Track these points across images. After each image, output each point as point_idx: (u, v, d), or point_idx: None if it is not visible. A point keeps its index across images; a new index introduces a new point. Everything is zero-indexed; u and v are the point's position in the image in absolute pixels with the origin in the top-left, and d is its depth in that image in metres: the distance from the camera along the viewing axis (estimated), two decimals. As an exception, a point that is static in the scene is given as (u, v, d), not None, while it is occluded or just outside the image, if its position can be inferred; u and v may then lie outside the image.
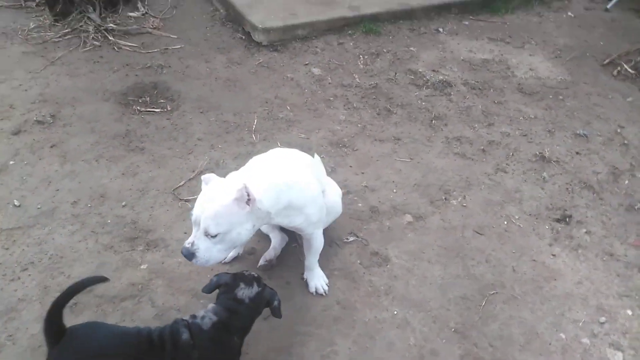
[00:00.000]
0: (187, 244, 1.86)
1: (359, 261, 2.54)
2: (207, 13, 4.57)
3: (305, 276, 2.37)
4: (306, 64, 4.02)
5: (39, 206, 2.64)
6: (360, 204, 2.87)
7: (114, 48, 3.99)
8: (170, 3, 4.61)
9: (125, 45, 4.02)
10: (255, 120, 3.40)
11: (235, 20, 4.39)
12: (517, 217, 2.89)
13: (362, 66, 4.09)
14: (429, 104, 3.74)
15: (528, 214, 2.91)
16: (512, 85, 4.04)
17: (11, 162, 2.88)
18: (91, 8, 4.21)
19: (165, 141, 3.16)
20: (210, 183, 1.92)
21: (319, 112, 3.57)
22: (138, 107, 3.41)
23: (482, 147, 3.37)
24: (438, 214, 2.85)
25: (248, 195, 1.83)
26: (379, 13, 4.60)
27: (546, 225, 2.85)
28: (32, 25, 4.10)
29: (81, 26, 4.12)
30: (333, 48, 4.26)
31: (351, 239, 2.65)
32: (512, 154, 3.34)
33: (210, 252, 1.87)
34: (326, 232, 2.61)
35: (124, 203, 2.71)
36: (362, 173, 3.09)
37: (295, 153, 2.28)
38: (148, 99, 3.51)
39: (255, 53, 4.09)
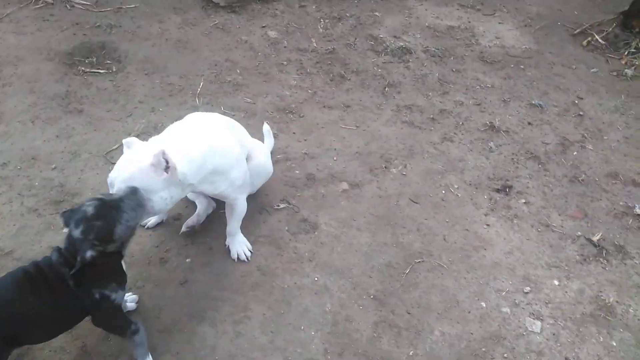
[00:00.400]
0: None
1: (286, 228, 2.51)
2: (167, -28, 4.42)
3: (227, 243, 2.35)
4: (263, 27, 3.92)
5: (-34, 166, 2.61)
6: (297, 171, 2.82)
7: (65, 6, 3.88)
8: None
9: (77, 3, 3.90)
10: (201, 84, 3.33)
11: (194, -20, 4.25)
12: (456, 186, 2.85)
13: (321, 30, 3.98)
14: (384, 71, 3.66)
15: (468, 183, 2.87)
16: (474, 54, 3.94)
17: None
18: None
19: (105, 103, 3.10)
20: (132, 147, 1.86)
21: (269, 76, 3.49)
22: (82, 68, 3.33)
23: (432, 116, 3.31)
24: (375, 182, 2.82)
25: (167, 162, 1.77)
26: (345, -25, 4.45)
27: (485, 195, 2.81)
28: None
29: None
30: (294, 11, 4.14)
31: (282, 205, 2.61)
32: (462, 123, 3.28)
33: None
34: (257, 198, 2.60)
35: (54, 166, 2.67)
36: (305, 140, 3.04)
37: (214, 117, 2.23)
38: (94, 59, 3.43)
39: (212, 14, 3.98)
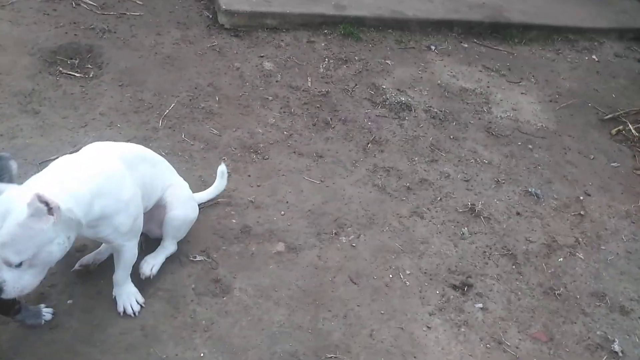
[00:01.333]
0: None
1: (193, 286, 2.23)
2: (185, -15, 4.33)
3: (114, 293, 2.08)
4: (261, 56, 3.71)
5: None
6: (234, 220, 2.55)
7: (71, 3, 3.82)
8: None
9: (84, 2, 3.84)
10: (172, 105, 3.13)
11: (208, -3, 4.14)
12: (408, 272, 2.48)
13: (322, 70, 3.73)
14: (374, 125, 3.35)
15: (423, 271, 2.50)
16: (480, 123, 3.57)
17: None
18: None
19: (65, 109, 2.95)
20: (2, 195, 1.56)
21: (249, 109, 3.26)
22: (60, 68, 3.22)
23: (408, 184, 2.96)
24: (317, 249, 2.50)
25: (47, 204, 1.50)
26: (366, 17, 4.20)
27: (438, 289, 2.43)
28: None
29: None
30: (300, 45, 3.92)
31: (199, 258, 2.34)
32: (440, 199, 2.91)
33: (21, 282, 1.56)
34: (178, 243, 2.33)
35: (-19, 165, 2.52)
36: (258, 186, 2.77)
37: (117, 148, 1.97)
38: (76, 61, 3.31)
39: (214, 35, 3.82)
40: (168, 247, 2.24)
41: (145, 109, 3.08)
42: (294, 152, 3.03)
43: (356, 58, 3.92)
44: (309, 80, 3.61)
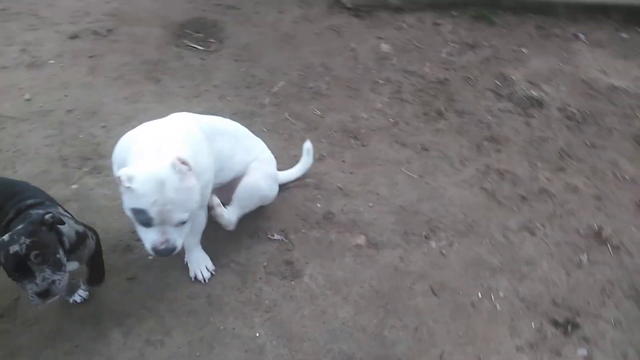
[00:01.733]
0: (161, 245, 1.66)
1: (265, 263, 2.18)
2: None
3: (185, 259, 2.12)
4: (379, 38, 3.54)
5: (41, 105, 2.84)
6: (319, 205, 2.45)
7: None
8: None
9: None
10: (282, 83, 3.12)
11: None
12: (501, 294, 2.16)
13: (444, 55, 3.44)
14: (495, 120, 2.99)
15: (520, 297, 2.16)
16: (628, 130, 2.99)
17: (51, 61, 3.14)
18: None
19: (184, 79, 3.10)
20: (144, 174, 1.61)
21: (357, 93, 3.13)
22: (186, 41, 3.40)
23: (524, 194, 2.59)
24: (400, 250, 2.29)
25: (185, 163, 1.64)
26: (503, -1, 3.77)
27: (534, 322, 2.07)
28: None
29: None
30: (423, 27, 3.65)
31: (277, 237, 2.29)
32: (560, 216, 2.49)
33: (182, 236, 1.73)
34: (257, 218, 2.32)
35: (104, 124, 2.76)
36: (350, 173, 2.63)
37: (200, 120, 2.00)
38: (201, 35, 3.48)
39: (334, 14, 3.73)
40: (230, 211, 2.17)
41: (256, 84, 3.12)
42: (397, 142, 2.83)
43: (485, 44, 3.54)
44: (427, 65, 3.35)
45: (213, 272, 2.11)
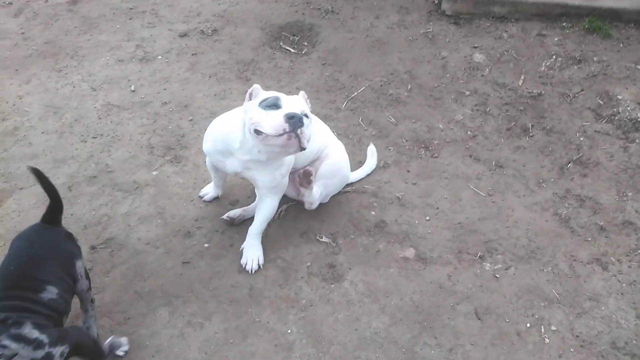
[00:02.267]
0: (299, 111, 1.82)
1: (309, 263, 2.24)
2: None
3: (243, 245, 2.26)
4: (475, 47, 3.39)
5: (142, 96, 3.19)
6: (373, 212, 2.44)
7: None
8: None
9: (323, -15, 4.13)
10: (362, 89, 3.15)
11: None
12: (554, 328, 1.98)
13: (543, 69, 3.19)
14: (588, 142, 2.72)
15: (576, 333, 1.96)
16: None
17: (159, 57, 3.50)
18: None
19: (270, 80, 3.27)
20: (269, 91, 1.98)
21: (439, 102, 3.04)
22: (281, 43, 3.57)
23: (603, 224, 2.33)
24: (450, 268, 2.20)
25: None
26: (625, 10, 3.40)
27: (588, 364, 1.88)
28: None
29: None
30: (526, 38, 3.42)
31: (325, 239, 2.33)
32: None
33: (307, 131, 1.86)
34: (310, 219, 2.40)
35: (191, 118, 3.02)
36: (413, 184, 2.58)
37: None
38: (297, 38, 3.62)
39: (432, 21, 3.64)
40: (315, 189, 2.24)
41: (337, 89, 3.18)
42: (470, 156, 2.71)
43: (595, 59, 3.22)
44: (522, 78, 3.14)
45: (261, 266, 2.22)
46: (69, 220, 2.45)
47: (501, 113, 2.94)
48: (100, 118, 3.02)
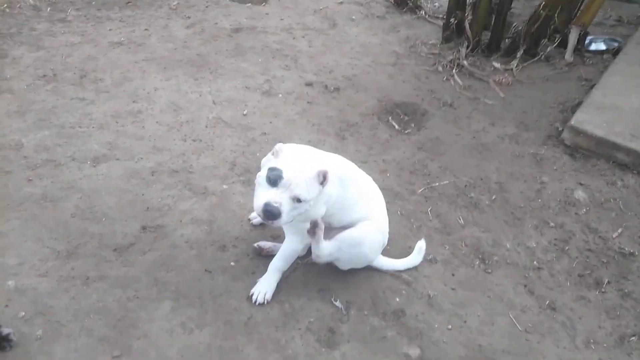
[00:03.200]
0: (274, 202, 1.87)
1: (312, 319, 2.21)
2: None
3: (260, 279, 2.32)
4: (580, 184, 3.18)
5: (249, 122, 3.48)
6: (398, 299, 2.36)
7: (443, 78, 4.26)
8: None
9: (454, 80, 4.23)
10: (445, 182, 3.11)
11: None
12: None
13: (648, 230, 2.88)
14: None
15: None
16: None
17: (279, 95, 3.82)
18: (466, 43, 4.55)
19: (363, 145, 3.38)
20: (292, 152, 2.03)
21: (517, 222, 2.89)
22: (390, 117, 3.70)
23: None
24: (448, 386, 2.03)
25: (324, 177, 1.99)
26: None
27: None
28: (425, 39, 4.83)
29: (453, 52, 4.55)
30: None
31: (338, 304, 2.30)
32: None
33: (290, 216, 1.95)
34: (332, 278, 2.40)
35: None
36: (452, 289, 2.46)
37: (349, 166, 2.33)
38: (407, 118, 3.73)
39: (547, 145, 3.50)
40: (326, 244, 2.21)
41: (421, 174, 3.19)
42: (525, 286, 2.52)
43: None
44: (619, 231, 2.86)
45: (267, 302, 2.26)
46: (139, 199, 2.75)
47: (580, 257, 2.69)
48: (206, 127, 3.38)
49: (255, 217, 2.65)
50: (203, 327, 2.15)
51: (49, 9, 4.61)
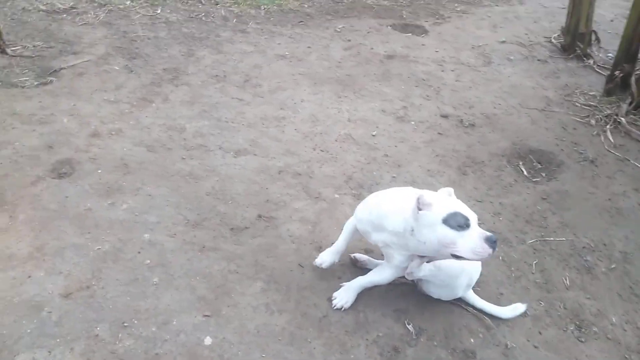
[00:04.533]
0: (492, 236, 1.98)
1: (380, 334, 2.31)
2: None
3: (345, 284, 2.49)
4: None
5: (376, 142, 3.68)
6: (472, 340, 2.34)
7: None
8: None
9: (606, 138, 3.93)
10: (562, 239, 2.94)
11: None
12: None
13: None
14: None
15: None
16: None
17: (412, 122, 3.95)
18: (630, 99, 4.19)
19: (483, 185, 3.35)
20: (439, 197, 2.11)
21: (633, 298, 2.63)
22: (520, 163, 3.60)
23: None
24: None
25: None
26: None
27: None
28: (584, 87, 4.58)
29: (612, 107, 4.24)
30: None
31: (411, 328, 2.35)
32: None
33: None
34: (415, 303, 2.47)
35: (395, 175, 3.36)
36: (535, 347, 2.36)
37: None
38: (539, 166, 3.59)
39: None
40: (422, 265, 2.28)
41: (537, 225, 3.06)
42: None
43: None
44: None
45: (343, 308, 2.42)
46: (263, 191, 3.12)
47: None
48: (336, 140, 3.67)
49: (323, 262, 2.54)
50: (283, 312, 2.39)
51: (235, 20, 5.39)
